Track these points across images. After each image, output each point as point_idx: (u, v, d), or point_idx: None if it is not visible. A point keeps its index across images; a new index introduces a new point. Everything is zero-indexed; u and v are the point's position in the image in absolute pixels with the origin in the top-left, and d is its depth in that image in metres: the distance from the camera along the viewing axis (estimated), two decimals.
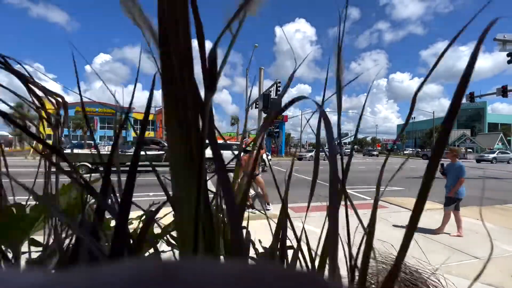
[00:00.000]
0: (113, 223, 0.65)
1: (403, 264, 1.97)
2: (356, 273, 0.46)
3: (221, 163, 0.31)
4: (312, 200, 0.57)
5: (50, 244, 0.64)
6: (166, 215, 0.70)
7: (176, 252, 0.68)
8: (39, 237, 0.66)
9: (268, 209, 5.26)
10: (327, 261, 0.38)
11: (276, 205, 5.22)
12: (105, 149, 12.54)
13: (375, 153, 42.79)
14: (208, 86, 0.28)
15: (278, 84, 21.57)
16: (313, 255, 0.57)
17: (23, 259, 0.61)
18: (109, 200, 0.42)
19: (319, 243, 0.54)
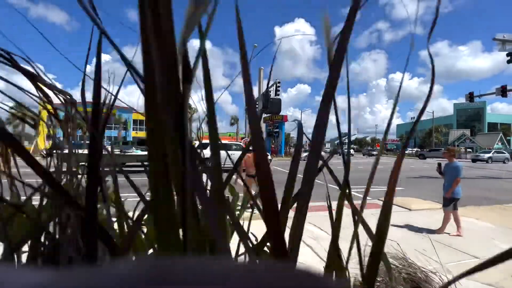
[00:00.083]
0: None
1: (407, 263, 1.97)
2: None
3: (195, 163, 0.31)
4: (312, 200, 0.57)
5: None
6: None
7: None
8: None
9: None
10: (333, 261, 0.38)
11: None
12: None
13: (374, 153, 42.92)
14: (184, 78, 0.27)
15: (278, 84, 21.58)
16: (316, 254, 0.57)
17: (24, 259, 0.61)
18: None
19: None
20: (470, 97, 17.73)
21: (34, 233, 0.51)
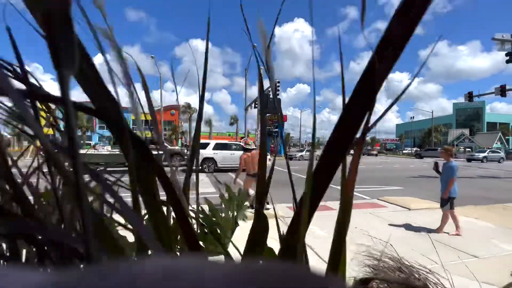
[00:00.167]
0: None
1: (401, 264, 1.97)
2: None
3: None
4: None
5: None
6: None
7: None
8: None
9: (268, 209, 5.26)
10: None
11: (277, 205, 5.22)
12: (104, 149, 12.54)
13: (374, 152, 43.00)
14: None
15: (278, 84, 21.57)
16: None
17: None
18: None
19: None
20: (469, 96, 17.76)
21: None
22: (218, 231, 0.79)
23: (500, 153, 29.93)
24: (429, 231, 4.16)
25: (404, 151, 49.90)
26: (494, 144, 40.41)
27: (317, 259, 3.02)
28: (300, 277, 0.11)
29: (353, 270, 1.82)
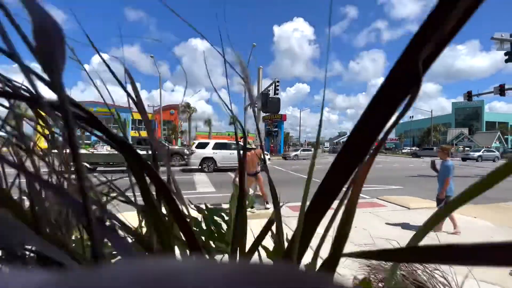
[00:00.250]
0: None
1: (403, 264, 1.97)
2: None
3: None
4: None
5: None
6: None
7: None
8: None
9: (267, 208, 5.27)
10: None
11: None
12: (104, 149, 12.52)
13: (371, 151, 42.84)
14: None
15: (277, 83, 21.57)
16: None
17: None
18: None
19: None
20: (469, 96, 17.77)
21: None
22: (223, 229, 0.79)
23: (495, 152, 30.01)
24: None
25: (403, 151, 49.98)
26: (493, 144, 40.49)
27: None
28: (299, 277, 0.11)
29: (352, 269, 1.82)
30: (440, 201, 4.19)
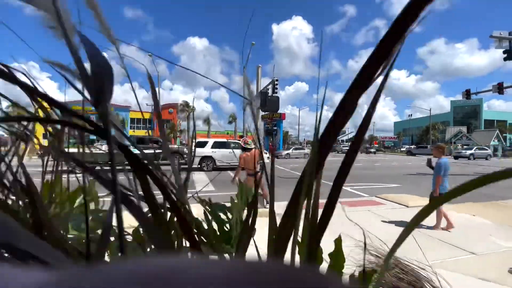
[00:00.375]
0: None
1: (398, 261, 1.98)
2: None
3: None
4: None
5: None
6: None
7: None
8: None
9: (266, 207, 5.28)
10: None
11: (276, 203, 5.23)
12: (104, 148, 12.48)
13: (372, 150, 43.07)
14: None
15: (276, 82, 21.52)
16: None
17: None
18: None
19: None
20: (467, 94, 17.80)
21: None
22: (226, 227, 0.79)
23: (487, 150, 29.98)
24: (427, 228, 4.19)
25: (402, 149, 50.07)
26: (492, 142, 40.57)
27: None
28: (300, 276, 0.11)
29: (350, 267, 1.83)
30: (432, 197, 4.22)
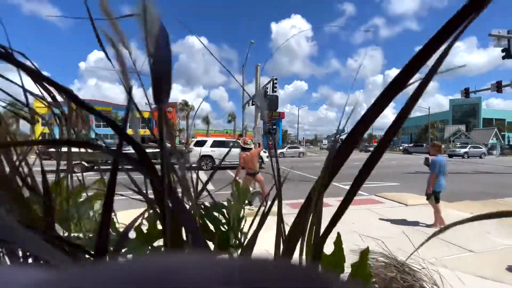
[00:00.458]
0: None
1: (395, 260, 1.99)
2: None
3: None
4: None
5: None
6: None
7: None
8: None
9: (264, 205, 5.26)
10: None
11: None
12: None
13: (371, 149, 43.06)
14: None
15: (275, 81, 21.47)
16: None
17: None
18: None
19: None
20: (466, 93, 17.82)
21: None
22: (224, 227, 0.80)
23: (481, 148, 29.83)
24: (426, 226, 4.21)
25: (401, 147, 50.17)
26: (490, 140, 40.67)
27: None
28: (300, 276, 0.11)
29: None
30: (429, 196, 4.30)
